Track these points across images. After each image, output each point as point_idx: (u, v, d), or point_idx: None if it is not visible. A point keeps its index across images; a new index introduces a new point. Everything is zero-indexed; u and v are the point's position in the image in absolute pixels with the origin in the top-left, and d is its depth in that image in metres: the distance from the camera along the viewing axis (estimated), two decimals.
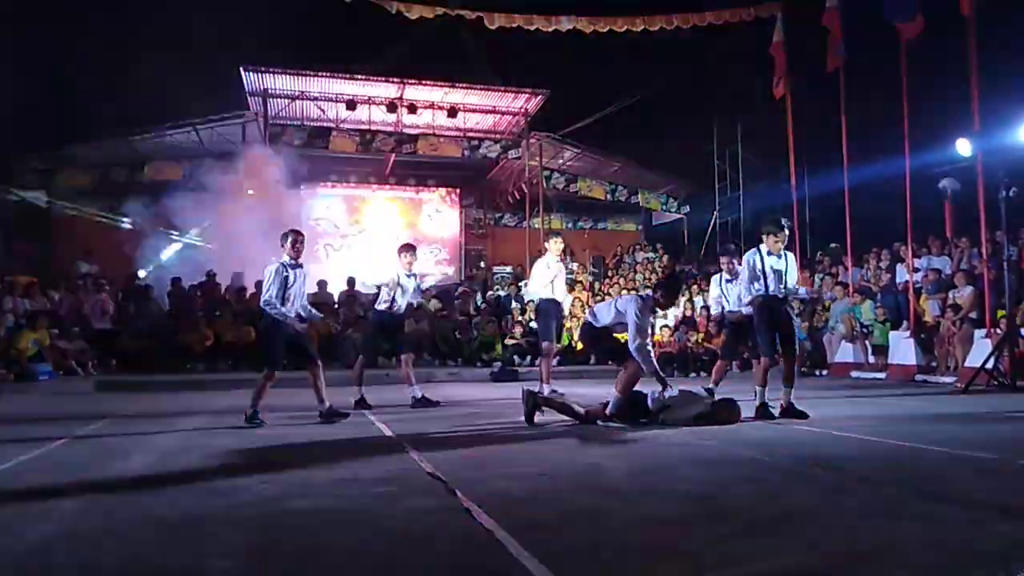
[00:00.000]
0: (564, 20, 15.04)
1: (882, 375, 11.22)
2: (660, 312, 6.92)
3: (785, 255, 6.30)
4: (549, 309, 8.40)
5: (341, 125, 17.98)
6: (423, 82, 17.23)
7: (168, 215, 16.83)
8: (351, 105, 17.26)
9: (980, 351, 9.45)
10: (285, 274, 6.24)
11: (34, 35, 16.11)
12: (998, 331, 9.36)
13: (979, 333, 9.98)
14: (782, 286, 6.25)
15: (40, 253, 17.39)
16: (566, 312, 9.93)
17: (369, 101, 17.64)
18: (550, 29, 14.96)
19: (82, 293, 13.81)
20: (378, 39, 16.85)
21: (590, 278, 18.70)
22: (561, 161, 20.48)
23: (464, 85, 17.34)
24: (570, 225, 22.57)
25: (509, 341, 13.84)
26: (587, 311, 7.78)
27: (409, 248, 7.79)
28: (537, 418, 5.97)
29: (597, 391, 7.47)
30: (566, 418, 6.06)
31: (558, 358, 11.60)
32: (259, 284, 9.76)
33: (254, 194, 16.35)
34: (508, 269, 19.69)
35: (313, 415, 6.40)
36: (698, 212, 21.66)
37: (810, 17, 13.23)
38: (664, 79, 17.94)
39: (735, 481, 3.68)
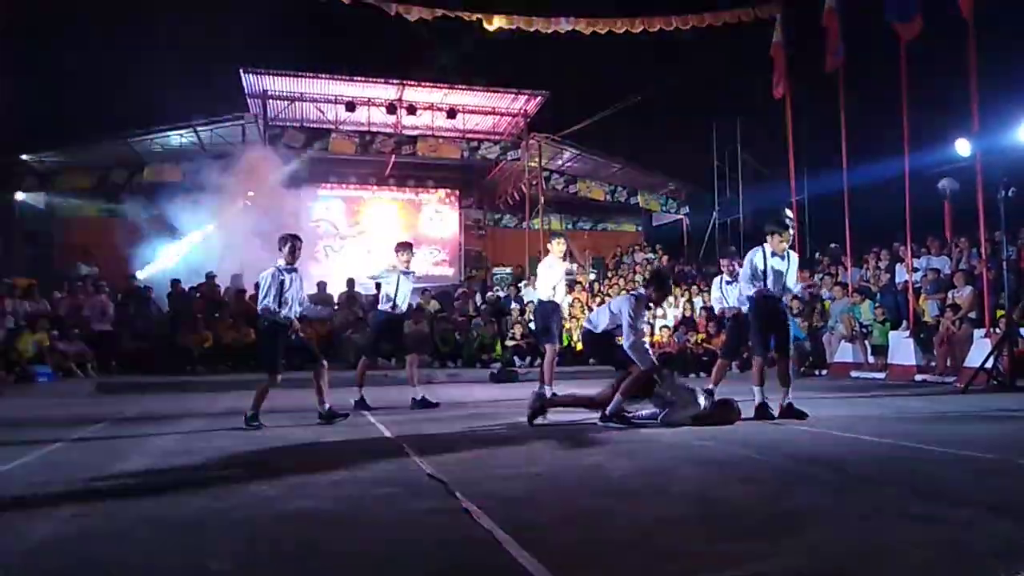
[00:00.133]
0: (563, 21, 15.03)
1: (881, 375, 11.22)
2: (658, 310, 6.95)
3: (788, 255, 6.32)
4: (550, 311, 8.38)
5: (340, 126, 17.99)
6: (422, 83, 17.23)
7: (168, 217, 16.84)
8: (350, 106, 17.27)
9: (979, 351, 9.46)
10: (281, 278, 6.25)
11: (34, 37, 16.13)
12: (997, 331, 9.37)
13: (978, 333, 9.98)
14: (780, 286, 6.26)
15: (40, 255, 17.40)
16: (565, 314, 9.92)
17: (368, 102, 17.65)
18: (549, 30, 14.96)
19: (82, 295, 13.82)
20: (378, 40, 16.87)
21: (591, 278, 18.69)
22: (560, 162, 20.50)
23: (463, 86, 17.35)
24: (570, 226, 22.58)
25: (509, 342, 13.85)
26: (585, 318, 7.80)
27: (406, 246, 7.77)
28: (537, 419, 5.98)
29: (597, 391, 7.45)
30: (566, 418, 6.06)
31: (557, 359, 11.58)
32: (258, 286, 9.74)
33: (253, 196, 16.35)
34: (507, 270, 19.69)
35: (313, 416, 6.40)
36: (698, 213, 21.66)
37: (809, 18, 13.25)
38: (663, 80, 17.96)
39: (735, 481, 3.68)
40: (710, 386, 7.09)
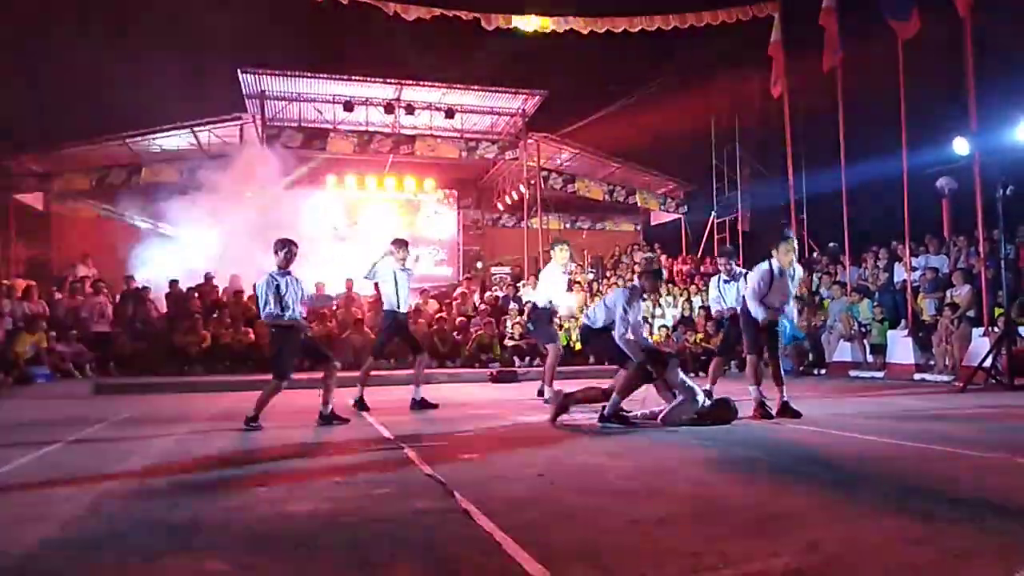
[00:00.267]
0: (561, 20, 15.04)
1: (880, 374, 11.23)
2: (656, 310, 6.98)
3: (794, 269, 6.39)
4: (548, 313, 8.38)
5: (339, 126, 17.96)
6: (420, 83, 17.21)
7: (166, 217, 16.81)
8: (348, 106, 17.24)
9: (978, 349, 9.47)
10: (276, 283, 6.21)
11: (33, 37, 16.10)
12: (996, 329, 9.38)
13: (977, 331, 10.00)
14: (783, 303, 6.41)
15: (38, 256, 17.36)
16: (571, 312, 9.92)
17: (367, 102, 17.61)
18: (547, 30, 14.96)
19: (80, 296, 13.79)
20: (378, 40, 16.86)
21: (589, 278, 18.68)
22: (559, 161, 20.48)
23: (461, 86, 17.33)
24: (568, 225, 22.57)
25: (508, 342, 13.84)
26: (583, 314, 7.81)
27: (402, 243, 7.72)
28: (537, 419, 5.98)
29: (609, 384, 7.46)
30: (569, 418, 6.07)
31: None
32: (256, 287, 9.73)
33: (252, 196, 16.32)
34: (506, 269, 19.66)
35: (312, 417, 6.39)
36: (696, 212, 21.65)
37: (807, 17, 13.27)
38: (662, 79, 17.95)
39: (734, 481, 3.68)
40: (707, 387, 7.11)
